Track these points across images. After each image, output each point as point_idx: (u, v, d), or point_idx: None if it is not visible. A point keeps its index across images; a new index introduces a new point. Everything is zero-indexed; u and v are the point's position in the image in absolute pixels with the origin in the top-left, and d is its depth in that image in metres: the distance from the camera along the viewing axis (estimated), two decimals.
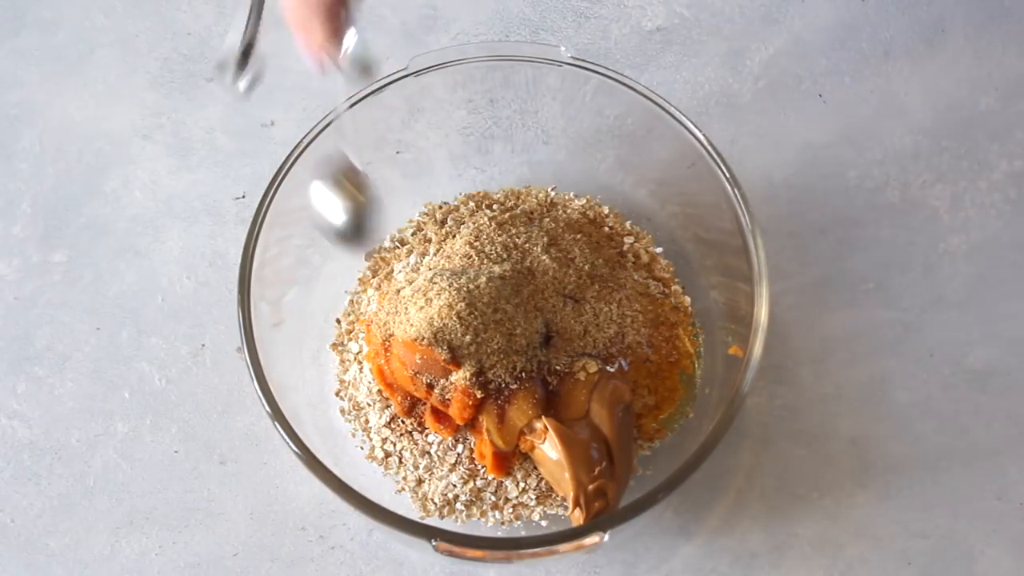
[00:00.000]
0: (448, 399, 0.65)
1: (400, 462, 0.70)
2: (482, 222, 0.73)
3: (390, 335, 0.67)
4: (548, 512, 0.68)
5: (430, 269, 0.70)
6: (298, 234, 0.74)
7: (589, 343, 0.69)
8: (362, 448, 0.71)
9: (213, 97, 0.87)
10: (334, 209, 0.61)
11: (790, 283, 0.78)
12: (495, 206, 0.77)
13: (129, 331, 0.78)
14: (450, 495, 0.68)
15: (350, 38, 0.53)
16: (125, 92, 0.87)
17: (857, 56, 0.87)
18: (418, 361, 0.64)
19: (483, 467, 0.68)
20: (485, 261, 0.69)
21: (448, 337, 0.63)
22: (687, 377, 0.72)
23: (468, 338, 0.64)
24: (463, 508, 0.68)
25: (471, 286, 0.65)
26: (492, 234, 0.71)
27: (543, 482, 0.68)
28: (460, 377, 0.64)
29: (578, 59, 0.72)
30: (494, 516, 0.68)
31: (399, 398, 0.68)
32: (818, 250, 0.79)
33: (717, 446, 0.61)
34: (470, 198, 0.78)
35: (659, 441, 0.70)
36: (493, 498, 0.68)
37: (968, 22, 0.88)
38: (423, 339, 0.63)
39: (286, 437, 0.61)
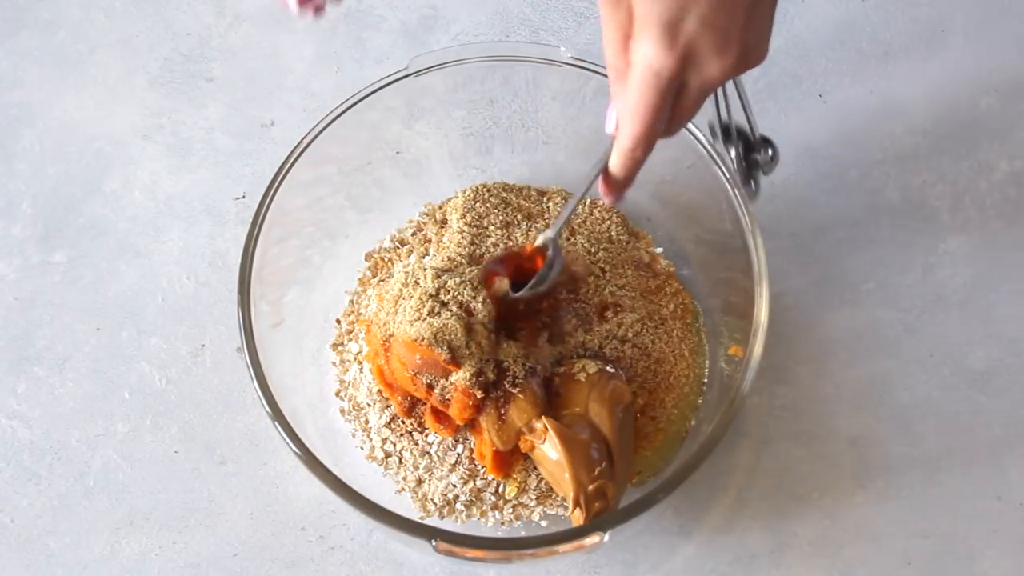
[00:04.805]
0: (448, 399, 0.65)
1: (400, 462, 0.70)
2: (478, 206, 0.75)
3: (390, 335, 0.67)
4: (548, 512, 0.68)
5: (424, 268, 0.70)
6: (298, 234, 0.74)
7: (594, 342, 0.69)
8: (362, 448, 0.71)
9: (213, 97, 0.87)
10: None
11: (790, 283, 0.78)
12: (492, 199, 0.77)
13: (129, 331, 0.78)
14: (450, 495, 0.68)
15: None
16: (125, 92, 0.87)
17: (857, 56, 0.87)
18: (418, 361, 0.64)
19: (483, 467, 0.68)
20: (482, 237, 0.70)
21: (448, 337, 0.63)
22: (688, 379, 0.72)
23: (475, 334, 0.64)
24: (463, 508, 0.68)
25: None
26: (489, 209, 0.72)
27: (543, 482, 0.68)
28: (460, 377, 0.64)
29: (578, 59, 0.72)
30: (494, 516, 0.68)
31: (399, 398, 0.68)
32: (818, 250, 0.79)
33: (717, 446, 0.61)
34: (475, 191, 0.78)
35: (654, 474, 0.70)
36: (493, 498, 0.68)
37: (968, 22, 0.88)
38: (423, 339, 0.63)
39: (286, 437, 0.61)
